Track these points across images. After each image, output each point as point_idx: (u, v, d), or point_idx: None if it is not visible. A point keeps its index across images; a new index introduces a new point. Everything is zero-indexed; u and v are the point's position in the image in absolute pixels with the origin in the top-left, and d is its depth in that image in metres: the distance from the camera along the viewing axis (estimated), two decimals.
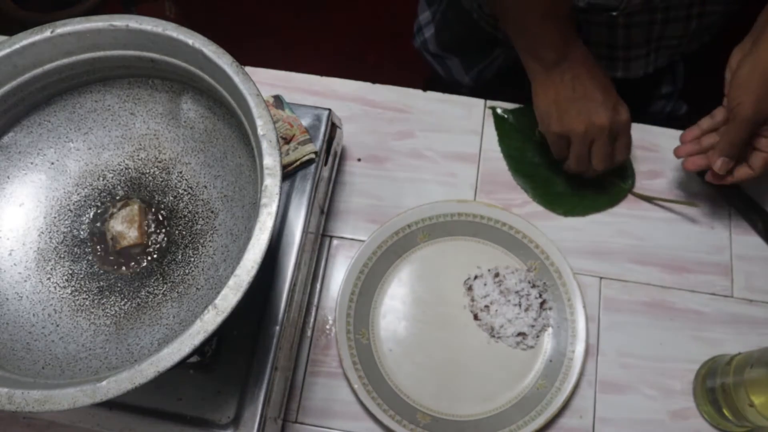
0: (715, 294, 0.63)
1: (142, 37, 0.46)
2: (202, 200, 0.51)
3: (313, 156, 0.58)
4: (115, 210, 0.51)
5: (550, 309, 0.62)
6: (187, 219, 0.50)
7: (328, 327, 0.62)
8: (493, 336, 0.61)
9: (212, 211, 0.50)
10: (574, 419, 0.59)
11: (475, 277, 0.63)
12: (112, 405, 0.51)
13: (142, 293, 0.48)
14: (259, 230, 0.39)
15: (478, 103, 0.72)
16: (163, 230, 0.50)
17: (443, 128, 0.70)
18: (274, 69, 0.73)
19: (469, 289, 0.63)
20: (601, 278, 0.64)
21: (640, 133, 0.69)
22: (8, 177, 0.50)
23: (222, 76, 0.44)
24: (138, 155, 0.52)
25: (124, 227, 0.50)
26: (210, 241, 0.49)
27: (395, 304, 0.63)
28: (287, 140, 0.58)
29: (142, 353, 0.45)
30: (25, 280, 0.48)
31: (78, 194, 0.51)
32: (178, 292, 0.48)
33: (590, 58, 0.59)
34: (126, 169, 0.52)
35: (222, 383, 0.51)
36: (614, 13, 0.63)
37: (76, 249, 0.50)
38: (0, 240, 0.49)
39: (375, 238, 0.63)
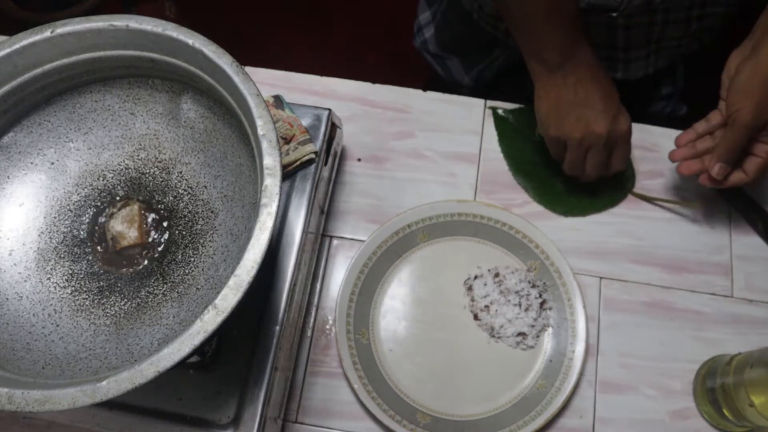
0: (715, 294, 0.63)
1: (142, 37, 0.46)
2: (202, 200, 0.51)
3: (313, 156, 0.58)
4: (115, 210, 0.51)
5: (550, 309, 0.62)
6: (187, 219, 0.50)
7: (328, 327, 0.62)
8: (493, 336, 0.61)
9: (212, 211, 0.50)
10: (574, 419, 0.59)
11: (475, 277, 0.63)
12: (112, 405, 0.51)
13: (142, 293, 0.48)
14: (259, 230, 0.39)
15: (478, 103, 0.72)
16: (163, 230, 0.50)
17: (443, 128, 0.70)
18: (274, 69, 0.73)
19: (469, 289, 0.63)
20: (601, 278, 0.64)
21: (640, 133, 0.69)
22: (8, 177, 0.50)
23: (222, 76, 0.44)
24: (138, 155, 0.52)
25: (124, 227, 0.50)
26: (210, 241, 0.49)
27: (395, 304, 0.63)
28: (287, 140, 0.58)
29: (142, 353, 0.45)
30: (25, 280, 0.48)
31: (78, 194, 0.51)
32: (178, 292, 0.48)
33: (595, 62, 0.58)
34: (126, 169, 0.52)
35: (222, 383, 0.51)
36: (614, 14, 0.63)
37: (76, 249, 0.50)
38: (0, 240, 0.49)
39: (375, 238, 0.63)
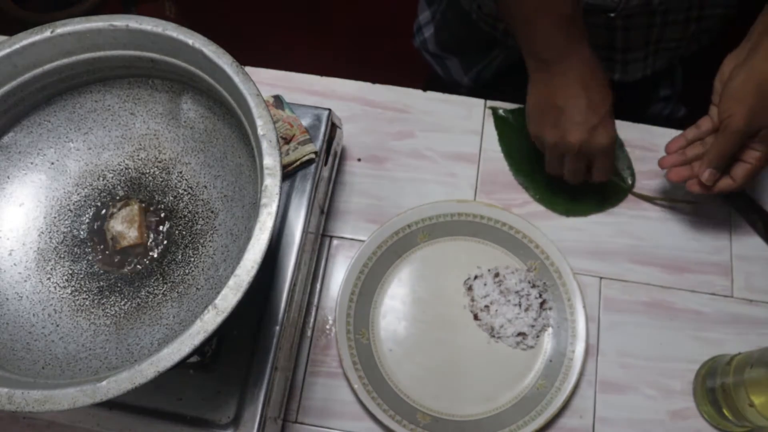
0: (715, 294, 0.63)
1: (142, 37, 0.46)
2: (202, 200, 0.51)
3: (313, 156, 0.58)
4: (115, 210, 0.51)
5: (550, 309, 0.62)
6: (187, 219, 0.50)
7: (328, 327, 0.62)
8: (493, 336, 0.61)
9: (212, 211, 0.50)
10: (574, 419, 0.59)
11: (475, 277, 0.63)
12: (112, 405, 0.51)
13: (142, 293, 0.48)
14: (259, 230, 0.39)
15: (478, 103, 0.72)
16: (163, 230, 0.50)
17: (443, 128, 0.70)
18: (274, 69, 0.73)
19: (469, 289, 0.63)
20: (601, 278, 0.64)
21: (640, 133, 0.69)
22: (8, 177, 0.50)
23: (222, 76, 0.44)
24: (138, 155, 0.52)
25: (124, 227, 0.50)
26: (210, 241, 0.49)
27: (395, 304, 0.63)
28: (287, 140, 0.58)
29: (142, 353, 0.45)
30: (25, 280, 0.48)
31: (78, 194, 0.51)
32: (178, 292, 0.48)
33: (591, 67, 0.57)
34: (126, 169, 0.52)
35: (222, 383, 0.51)
36: (612, 15, 0.62)
37: (76, 249, 0.50)
38: (0, 240, 0.49)
39: (375, 238, 0.63)
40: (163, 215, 0.51)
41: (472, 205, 0.65)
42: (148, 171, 0.52)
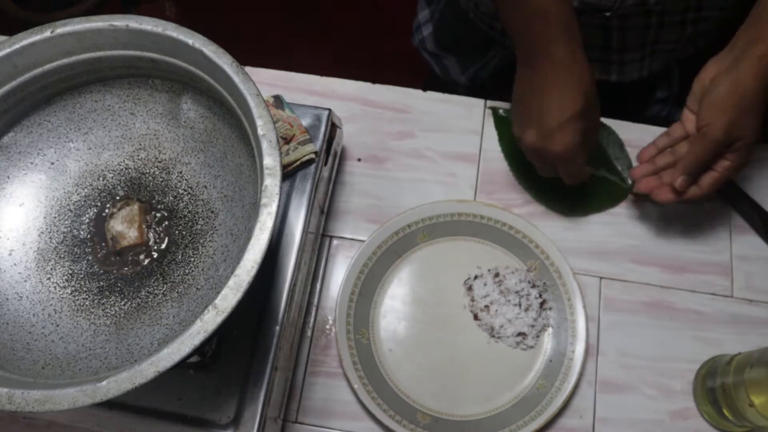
0: (715, 294, 0.63)
1: (142, 37, 0.46)
2: (202, 200, 0.51)
3: (313, 156, 0.58)
4: (115, 210, 0.51)
5: (550, 309, 0.62)
6: (187, 219, 0.50)
7: (328, 327, 0.62)
8: (493, 336, 0.61)
9: (212, 211, 0.50)
10: (574, 419, 0.59)
11: (475, 277, 0.63)
12: (112, 405, 0.51)
13: (142, 293, 0.48)
14: (259, 230, 0.39)
15: (478, 103, 0.72)
16: (163, 230, 0.50)
17: (443, 128, 0.70)
18: (274, 69, 0.73)
19: (469, 289, 0.63)
20: (601, 278, 0.64)
21: (640, 133, 0.69)
22: (8, 177, 0.50)
23: (222, 76, 0.44)
24: (138, 155, 0.52)
25: (124, 227, 0.50)
26: (210, 241, 0.49)
27: (395, 304, 0.63)
28: (287, 140, 0.58)
29: (142, 353, 0.45)
30: (25, 280, 0.48)
31: (78, 194, 0.51)
32: (178, 292, 0.48)
33: (567, 66, 0.53)
34: (126, 169, 0.52)
35: (222, 383, 0.51)
36: (607, 14, 0.62)
37: (76, 249, 0.50)
38: (0, 240, 0.49)
39: (375, 238, 0.63)
40: (163, 215, 0.51)
41: (472, 205, 0.65)
42: (148, 171, 0.52)
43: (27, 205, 0.50)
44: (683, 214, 0.66)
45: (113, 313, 0.48)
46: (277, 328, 0.53)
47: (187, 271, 0.49)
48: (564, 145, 0.54)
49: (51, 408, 0.36)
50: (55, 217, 0.51)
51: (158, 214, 0.51)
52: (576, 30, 0.54)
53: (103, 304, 0.48)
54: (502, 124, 0.70)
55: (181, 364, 0.37)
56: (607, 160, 0.68)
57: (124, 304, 0.48)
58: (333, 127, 0.62)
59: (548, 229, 0.65)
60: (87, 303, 0.48)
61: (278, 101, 0.61)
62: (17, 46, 0.46)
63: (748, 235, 0.66)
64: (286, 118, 0.59)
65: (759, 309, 0.63)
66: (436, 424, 0.58)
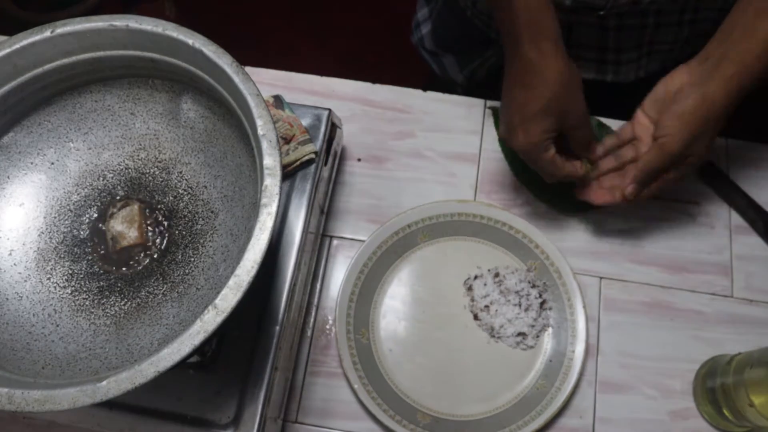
0: (715, 294, 0.63)
1: (142, 37, 0.46)
2: (202, 200, 0.51)
3: (313, 156, 0.58)
4: (115, 210, 0.51)
5: (550, 309, 0.62)
6: (187, 219, 0.50)
7: (328, 327, 0.62)
8: (493, 336, 0.61)
9: (212, 211, 0.50)
10: (574, 419, 0.59)
11: (475, 277, 0.63)
12: (112, 405, 0.51)
13: (142, 293, 0.48)
14: (259, 230, 0.39)
15: (478, 103, 0.72)
16: (163, 230, 0.50)
17: (443, 128, 0.70)
18: (274, 69, 0.73)
19: (469, 289, 0.63)
20: (601, 278, 0.64)
21: None
22: (8, 177, 0.50)
23: (222, 76, 0.44)
24: (138, 155, 0.52)
25: (124, 227, 0.50)
26: (210, 241, 0.49)
27: (395, 304, 0.63)
28: (287, 140, 0.58)
29: (142, 353, 0.45)
30: (25, 280, 0.48)
31: (78, 194, 0.51)
32: (178, 292, 0.48)
33: (532, 65, 0.52)
34: (126, 169, 0.52)
35: (222, 383, 0.51)
36: (602, 13, 0.62)
37: (76, 249, 0.50)
38: (0, 240, 0.49)
39: (375, 238, 0.63)
40: (163, 215, 0.51)
41: (472, 205, 0.65)
42: (148, 171, 0.52)
43: (27, 205, 0.50)
44: (683, 214, 0.66)
45: (113, 313, 0.48)
46: (277, 328, 0.53)
47: (187, 271, 0.49)
48: (525, 143, 0.54)
49: (51, 408, 0.36)
50: (55, 217, 0.51)
51: (158, 214, 0.51)
52: (547, 25, 0.52)
53: (103, 304, 0.48)
54: None
55: (181, 364, 0.37)
56: None
57: (124, 304, 0.48)
58: (333, 127, 0.62)
59: (548, 229, 0.65)
60: (87, 303, 0.48)
61: (278, 101, 0.61)
62: (17, 46, 0.46)
63: (748, 235, 0.66)
64: (286, 118, 0.59)
65: (759, 309, 0.63)
66: (436, 424, 0.58)
